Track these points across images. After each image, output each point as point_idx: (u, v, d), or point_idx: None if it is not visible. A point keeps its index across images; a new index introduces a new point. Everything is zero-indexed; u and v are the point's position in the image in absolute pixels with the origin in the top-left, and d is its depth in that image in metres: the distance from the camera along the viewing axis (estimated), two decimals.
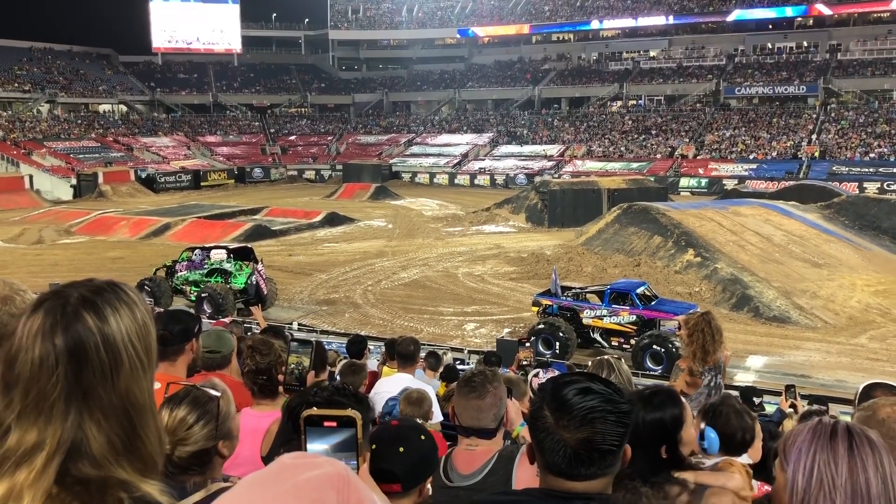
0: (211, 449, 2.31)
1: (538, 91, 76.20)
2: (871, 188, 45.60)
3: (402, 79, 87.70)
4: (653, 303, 17.97)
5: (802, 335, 19.53)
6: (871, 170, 49.78)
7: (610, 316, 17.90)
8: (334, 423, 1.48)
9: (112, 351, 1.25)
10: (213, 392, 2.37)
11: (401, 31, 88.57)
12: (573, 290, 19.34)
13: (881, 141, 53.94)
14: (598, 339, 18.15)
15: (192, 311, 3.93)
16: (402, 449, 2.22)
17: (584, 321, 18.14)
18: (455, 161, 65.87)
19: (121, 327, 1.27)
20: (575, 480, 1.81)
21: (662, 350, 16.37)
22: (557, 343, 17.44)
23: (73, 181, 54.49)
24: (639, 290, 18.13)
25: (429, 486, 2.35)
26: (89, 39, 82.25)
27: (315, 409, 1.49)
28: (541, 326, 17.97)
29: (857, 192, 42.54)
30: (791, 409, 6.27)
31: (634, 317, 17.57)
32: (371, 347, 10.89)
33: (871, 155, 52.64)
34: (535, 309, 19.04)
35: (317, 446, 1.47)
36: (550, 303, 18.69)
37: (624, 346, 17.56)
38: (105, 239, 35.70)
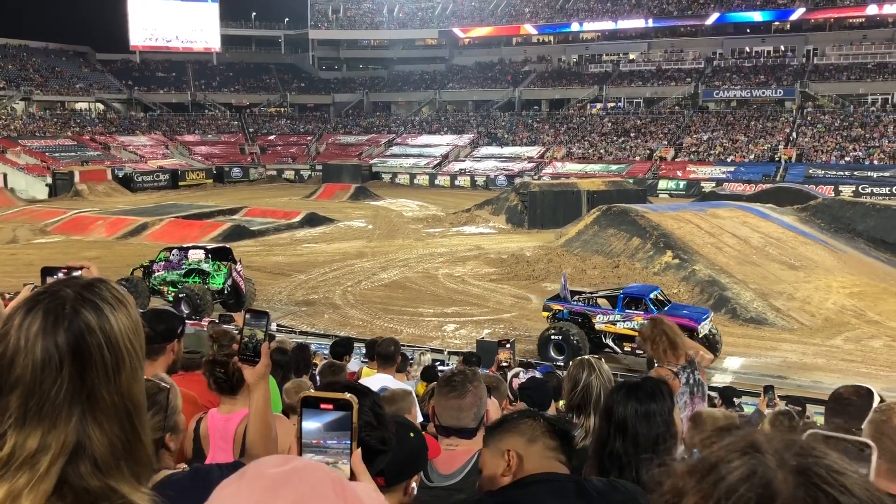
0: (158, 440, 2.28)
1: (518, 93, 76.38)
2: (847, 191, 46.19)
3: (383, 79, 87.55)
4: (666, 308, 17.56)
5: (779, 336, 19.72)
6: (846, 173, 50.40)
7: (623, 321, 17.52)
8: (330, 406, 1.48)
9: (114, 349, 1.21)
10: (161, 383, 2.35)
11: (381, 31, 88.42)
12: (583, 295, 19.04)
13: (856, 144, 54.63)
14: (611, 344, 17.80)
15: (174, 311, 3.90)
16: None
17: (597, 326, 17.81)
18: (435, 162, 65.87)
19: (119, 324, 1.24)
20: None
21: None
22: (569, 348, 17.04)
23: (49, 180, 53.83)
24: (652, 295, 17.80)
25: (414, 485, 2.34)
26: (66, 37, 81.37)
27: (312, 391, 1.49)
28: (552, 332, 17.65)
29: (833, 194, 43.05)
30: (769, 409, 6.32)
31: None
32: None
33: (847, 158, 53.29)
34: (546, 314, 18.68)
35: (312, 424, 1.48)
36: (561, 308, 18.36)
37: (637, 351, 17.10)
38: (81, 238, 35.33)
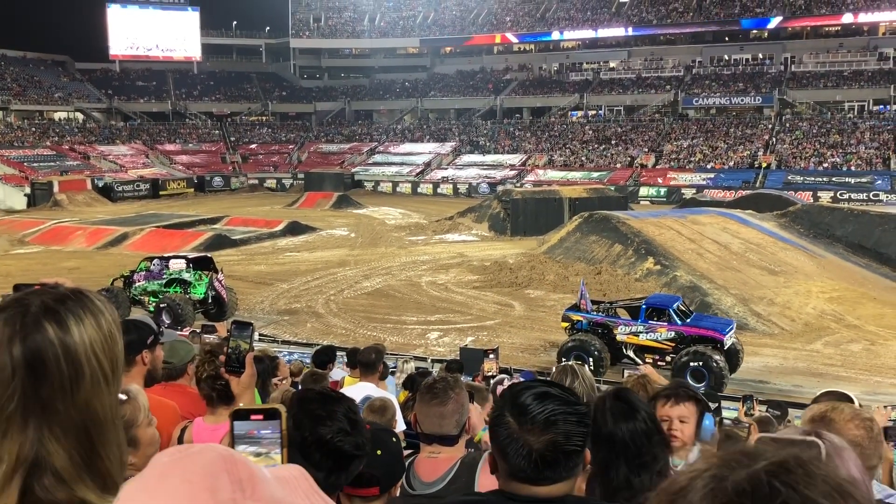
0: None
1: (500, 101, 76.63)
2: (825, 197, 46.66)
3: (365, 87, 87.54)
4: (689, 319, 17.34)
5: (760, 341, 19.86)
6: (824, 179, 50.93)
7: (646, 332, 17.20)
8: (260, 416, 1.56)
9: (73, 363, 1.18)
10: (121, 396, 2.34)
11: (363, 39, 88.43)
12: (602, 305, 18.71)
13: (834, 151, 55.27)
14: (632, 355, 17.38)
15: (148, 321, 3.89)
16: (379, 451, 2.27)
17: (618, 337, 17.45)
18: (418, 170, 65.88)
19: (84, 338, 1.20)
20: (539, 485, 1.85)
21: (701, 363, 15.88)
22: (591, 360, 16.53)
23: (27, 190, 53.26)
24: (675, 306, 17.48)
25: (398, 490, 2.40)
26: (44, 46, 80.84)
27: (242, 405, 1.58)
28: (571, 344, 17.31)
29: (812, 200, 43.47)
30: (748, 418, 6.37)
31: (673, 333, 16.93)
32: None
33: (825, 164, 53.89)
34: (565, 325, 18.28)
35: (244, 426, 1.57)
36: (581, 318, 17.99)
37: (658, 363, 16.61)
38: (60, 249, 34.97)
